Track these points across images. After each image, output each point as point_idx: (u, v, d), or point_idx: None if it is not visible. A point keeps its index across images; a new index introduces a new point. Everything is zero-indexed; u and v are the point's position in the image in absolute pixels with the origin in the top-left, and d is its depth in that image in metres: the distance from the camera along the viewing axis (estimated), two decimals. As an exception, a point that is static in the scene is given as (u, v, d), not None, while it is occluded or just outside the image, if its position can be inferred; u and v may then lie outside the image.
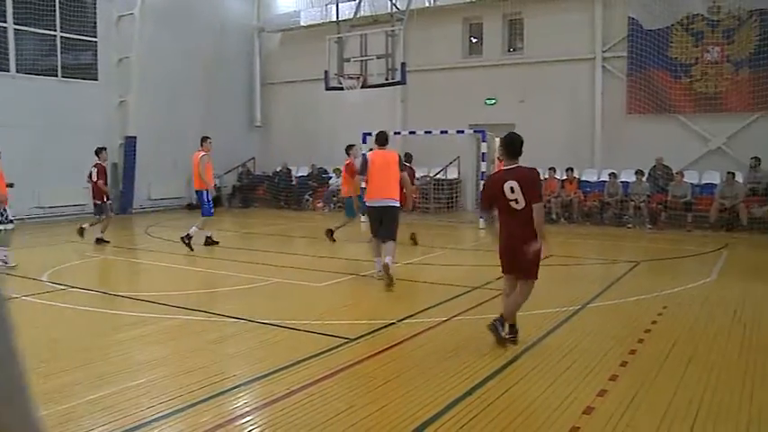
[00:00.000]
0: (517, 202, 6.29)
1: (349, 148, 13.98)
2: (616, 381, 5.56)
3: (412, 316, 7.85)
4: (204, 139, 13.52)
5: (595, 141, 19.98)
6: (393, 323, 7.48)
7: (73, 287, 9.68)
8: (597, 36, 19.91)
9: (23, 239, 13.90)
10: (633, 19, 19.12)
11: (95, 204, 14.39)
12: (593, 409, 4.93)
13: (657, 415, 4.81)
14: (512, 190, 6.28)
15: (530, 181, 6.34)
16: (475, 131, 18.93)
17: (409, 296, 9.33)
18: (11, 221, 11.28)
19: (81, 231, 13.93)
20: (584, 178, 19.46)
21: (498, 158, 18.96)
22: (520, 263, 6.40)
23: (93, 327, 7.91)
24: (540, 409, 4.95)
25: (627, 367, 5.94)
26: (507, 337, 6.60)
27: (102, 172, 14.02)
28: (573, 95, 20.28)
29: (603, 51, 19.85)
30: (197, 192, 13.98)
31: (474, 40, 22.88)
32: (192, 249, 12.84)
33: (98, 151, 14.29)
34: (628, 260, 7.95)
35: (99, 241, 13.97)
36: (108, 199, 14.55)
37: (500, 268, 6.77)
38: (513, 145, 6.41)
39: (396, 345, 6.65)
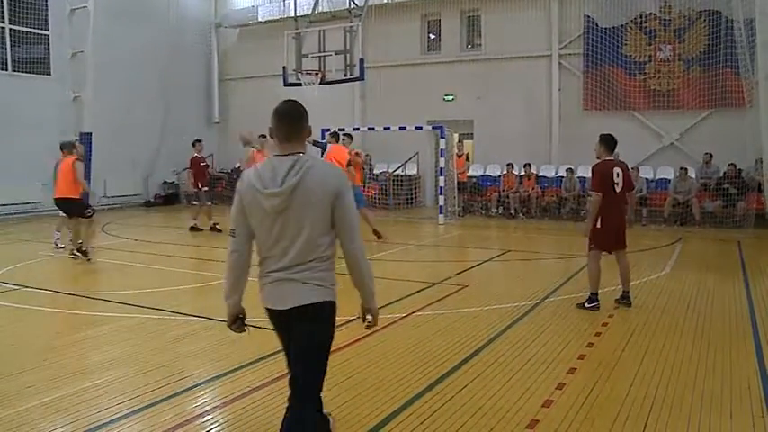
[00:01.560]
0: (618, 186, 7.86)
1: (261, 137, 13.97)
2: (574, 374, 5.65)
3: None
4: (73, 145, 12.62)
5: (552, 137, 20.22)
6: (353, 319, 7.46)
7: (27, 287, 9.47)
8: (554, 33, 20.14)
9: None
10: (588, 17, 19.41)
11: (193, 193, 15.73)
12: (552, 401, 5.01)
13: (615, 407, 4.90)
14: (617, 175, 7.88)
15: (627, 171, 8.16)
16: (433, 128, 18.99)
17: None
18: None
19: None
20: (541, 174, 19.68)
21: (457, 155, 19.04)
22: (620, 237, 8.02)
23: (48, 327, 7.76)
24: (500, 402, 5.01)
25: (585, 360, 6.05)
26: (622, 302, 8.12)
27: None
28: (530, 92, 20.48)
29: (560, 48, 20.09)
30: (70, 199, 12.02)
31: (432, 37, 22.97)
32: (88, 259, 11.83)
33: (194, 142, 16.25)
34: (586, 255, 8.12)
35: (193, 229, 14.97)
36: (204, 186, 15.66)
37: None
38: (612, 141, 8.04)
39: (356, 341, 6.65)
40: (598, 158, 8.11)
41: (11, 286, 9.56)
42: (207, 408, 5.06)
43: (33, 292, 9.20)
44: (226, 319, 3.74)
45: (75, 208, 11.93)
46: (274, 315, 3.57)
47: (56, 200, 12.04)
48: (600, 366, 5.87)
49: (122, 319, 7.69)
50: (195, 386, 5.47)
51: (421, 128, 19.37)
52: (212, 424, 4.74)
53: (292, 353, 3.58)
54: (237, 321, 3.71)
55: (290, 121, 3.50)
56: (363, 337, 6.77)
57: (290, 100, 3.56)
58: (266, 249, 3.49)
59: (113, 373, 5.80)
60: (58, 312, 8.29)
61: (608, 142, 8.07)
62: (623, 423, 4.62)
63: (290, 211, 3.36)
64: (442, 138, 17.92)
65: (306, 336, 3.50)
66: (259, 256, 3.56)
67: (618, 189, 7.91)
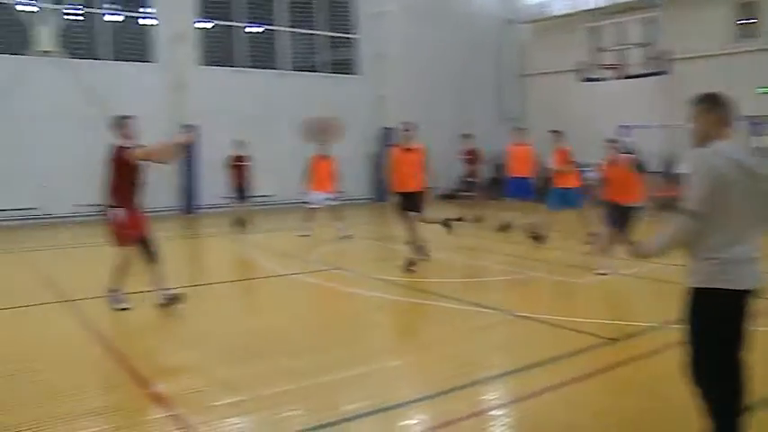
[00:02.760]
0: None
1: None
2: None
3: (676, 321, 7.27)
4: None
5: None
6: (655, 326, 6.99)
7: (341, 269, 10.44)
8: None
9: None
10: None
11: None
12: None
13: None
14: None
15: None
16: (750, 123, 17.13)
17: (675, 299, 8.63)
18: None
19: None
20: None
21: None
22: None
23: (360, 308, 8.36)
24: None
25: None
26: None
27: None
28: None
29: None
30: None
31: (746, 22, 20.69)
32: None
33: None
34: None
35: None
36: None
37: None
38: None
39: (657, 350, 6.19)
40: None
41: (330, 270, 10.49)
42: (498, 402, 5.06)
43: (345, 274, 10.10)
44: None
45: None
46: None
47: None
48: None
49: (425, 306, 8.10)
50: (489, 378, 5.52)
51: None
52: (503, 419, 4.73)
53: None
54: None
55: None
56: (668, 347, 6.31)
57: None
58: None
59: (414, 357, 6.10)
60: (364, 295, 8.79)
61: None
62: None
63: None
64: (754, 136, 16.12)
65: None
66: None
67: None
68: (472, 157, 16.32)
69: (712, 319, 3.59)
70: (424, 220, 10.51)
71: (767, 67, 19.29)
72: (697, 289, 3.61)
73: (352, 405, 4.85)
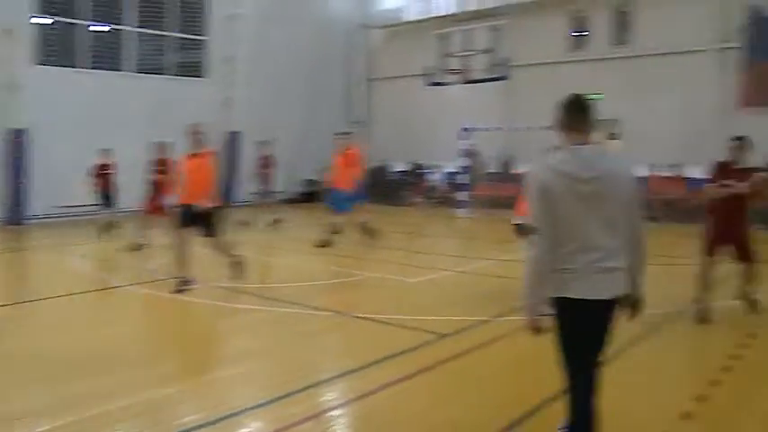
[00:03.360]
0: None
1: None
2: (717, 386, 5.28)
3: (506, 314, 7.68)
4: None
5: (707, 137, 19.00)
6: (487, 320, 7.36)
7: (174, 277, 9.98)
8: (712, 27, 18.91)
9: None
10: (754, 7, 18.04)
11: None
12: (690, 414, 4.69)
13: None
14: None
15: None
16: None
17: (504, 294, 9.11)
18: None
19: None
20: (693, 175, 18.55)
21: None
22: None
23: (189, 317, 8.19)
24: (636, 412, 4.75)
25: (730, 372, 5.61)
26: None
27: None
28: (683, 89, 19.32)
29: (718, 42, 18.84)
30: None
31: (579, 34, 22.20)
32: None
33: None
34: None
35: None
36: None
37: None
38: None
39: (489, 342, 6.54)
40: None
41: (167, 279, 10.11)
42: (336, 403, 5.12)
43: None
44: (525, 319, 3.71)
45: None
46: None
47: None
48: (747, 380, 5.44)
49: (260, 312, 7.99)
50: (328, 380, 5.57)
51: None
52: (342, 419, 4.80)
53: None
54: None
55: (585, 112, 3.66)
56: (498, 339, 6.65)
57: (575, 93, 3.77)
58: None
59: (248, 364, 6.02)
60: (198, 302, 8.58)
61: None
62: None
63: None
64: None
65: None
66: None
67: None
68: (265, 162, 16.76)
69: (561, 326, 3.61)
70: (218, 248, 9.23)
71: (598, 76, 20.72)
72: (552, 298, 3.57)
73: (187, 418, 4.73)
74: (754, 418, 4.80)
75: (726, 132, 17.92)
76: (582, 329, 3.55)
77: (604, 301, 3.46)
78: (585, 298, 3.44)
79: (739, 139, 8.06)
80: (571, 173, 3.42)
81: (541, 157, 3.68)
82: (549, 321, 3.61)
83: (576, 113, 3.61)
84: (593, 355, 3.63)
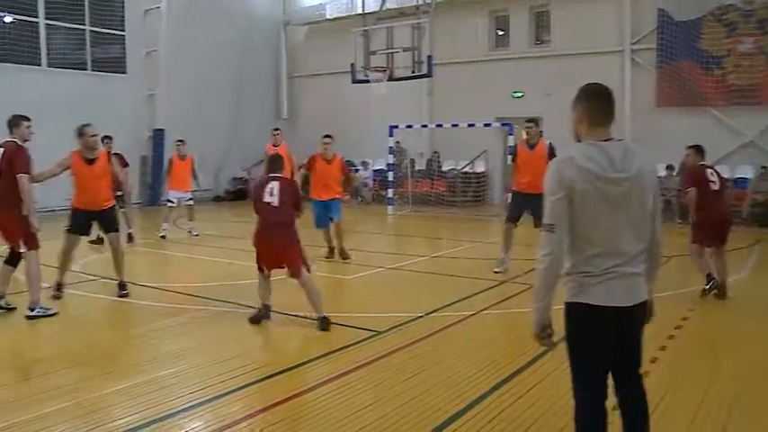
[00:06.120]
0: (715, 184, 8.41)
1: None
2: (646, 376, 5.48)
3: (439, 309, 7.81)
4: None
5: (625, 135, 19.70)
6: (421, 316, 7.46)
7: (104, 278, 9.70)
8: (626, 28, 19.62)
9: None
10: (663, 10, 18.82)
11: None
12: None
13: (688, 416, 4.73)
14: (712, 174, 8.50)
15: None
16: (502, 124, 18.81)
17: (436, 290, 9.27)
18: None
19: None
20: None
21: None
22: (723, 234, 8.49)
23: (123, 317, 8.02)
24: (570, 403, 4.89)
25: (657, 364, 5.84)
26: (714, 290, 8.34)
27: None
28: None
29: (632, 44, 19.56)
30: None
31: (500, 33, 22.70)
32: None
33: None
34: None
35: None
36: None
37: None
38: (702, 148, 8.76)
39: (423, 338, 6.63)
40: (690, 168, 8.96)
41: (88, 277, 9.85)
42: (276, 400, 5.09)
43: (109, 283, 9.43)
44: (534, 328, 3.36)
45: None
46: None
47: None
48: (672, 371, 5.68)
49: (193, 311, 7.86)
50: (265, 378, 5.53)
51: (489, 125, 19.17)
52: (280, 417, 4.77)
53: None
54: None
55: (611, 104, 3.33)
56: (430, 335, 6.75)
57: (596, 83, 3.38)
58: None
59: (185, 364, 5.93)
60: (131, 303, 8.46)
61: (700, 150, 8.76)
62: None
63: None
64: (510, 135, 17.72)
65: None
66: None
67: (716, 187, 8.45)
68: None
69: (575, 337, 3.32)
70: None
71: (518, 73, 21.21)
72: (567, 303, 3.30)
73: (123, 420, 4.63)
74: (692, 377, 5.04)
75: (642, 130, 18.81)
76: (601, 341, 3.27)
77: (626, 308, 3.22)
78: (606, 305, 3.19)
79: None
80: (600, 173, 3.14)
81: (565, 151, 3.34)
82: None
83: (602, 104, 3.31)
84: (632, 370, 3.43)
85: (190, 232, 14.46)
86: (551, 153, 9.69)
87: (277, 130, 14.00)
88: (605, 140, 3.25)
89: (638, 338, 3.40)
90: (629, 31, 19.59)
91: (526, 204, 9.92)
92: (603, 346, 3.28)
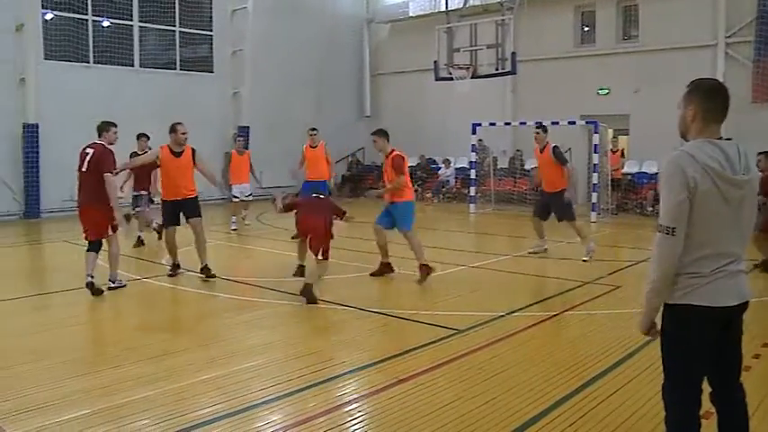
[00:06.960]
0: None
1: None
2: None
3: (521, 309, 7.71)
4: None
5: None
6: (502, 315, 7.36)
7: (189, 271, 10.00)
8: (720, 21, 18.82)
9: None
10: (763, 1, 17.92)
11: None
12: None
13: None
14: None
15: None
16: (587, 122, 18.37)
17: (518, 289, 9.15)
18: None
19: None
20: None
21: (612, 150, 18.22)
22: None
23: (207, 310, 8.16)
24: (657, 407, 4.74)
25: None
26: None
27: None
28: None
29: (727, 37, 18.75)
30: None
31: (586, 29, 22.16)
32: None
33: None
34: (748, 258, 7.56)
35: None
36: None
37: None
38: None
39: (504, 338, 6.54)
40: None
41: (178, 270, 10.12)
42: (354, 396, 5.12)
43: (195, 276, 9.71)
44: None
45: None
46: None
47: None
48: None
49: (276, 306, 7.99)
50: (344, 374, 5.56)
51: (574, 122, 18.74)
52: (358, 413, 4.79)
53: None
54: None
55: (727, 101, 3.22)
56: (513, 334, 6.66)
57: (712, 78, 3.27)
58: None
59: (266, 357, 6.03)
60: (215, 296, 8.66)
61: None
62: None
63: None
64: (595, 133, 17.30)
65: None
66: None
67: None
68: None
69: (677, 339, 3.20)
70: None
71: (604, 70, 20.67)
72: (667, 305, 3.17)
73: (206, 410, 4.75)
74: None
75: (736, 127, 18.01)
76: (705, 344, 3.16)
77: (734, 307, 3.13)
78: (714, 306, 3.08)
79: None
80: (722, 172, 3.01)
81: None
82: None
83: (721, 102, 3.19)
84: (732, 375, 3.33)
85: (243, 219, 15.38)
86: (555, 154, 10.99)
87: (314, 130, 13.87)
88: (718, 139, 3.14)
89: (740, 340, 3.29)
90: (723, 23, 18.77)
91: (545, 201, 11.39)
92: (706, 349, 3.19)
